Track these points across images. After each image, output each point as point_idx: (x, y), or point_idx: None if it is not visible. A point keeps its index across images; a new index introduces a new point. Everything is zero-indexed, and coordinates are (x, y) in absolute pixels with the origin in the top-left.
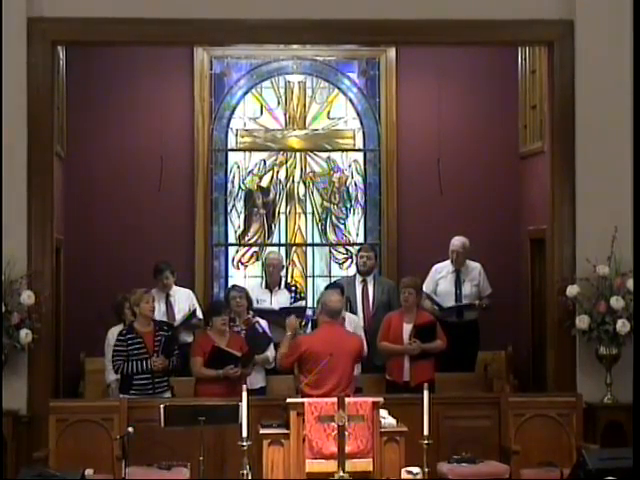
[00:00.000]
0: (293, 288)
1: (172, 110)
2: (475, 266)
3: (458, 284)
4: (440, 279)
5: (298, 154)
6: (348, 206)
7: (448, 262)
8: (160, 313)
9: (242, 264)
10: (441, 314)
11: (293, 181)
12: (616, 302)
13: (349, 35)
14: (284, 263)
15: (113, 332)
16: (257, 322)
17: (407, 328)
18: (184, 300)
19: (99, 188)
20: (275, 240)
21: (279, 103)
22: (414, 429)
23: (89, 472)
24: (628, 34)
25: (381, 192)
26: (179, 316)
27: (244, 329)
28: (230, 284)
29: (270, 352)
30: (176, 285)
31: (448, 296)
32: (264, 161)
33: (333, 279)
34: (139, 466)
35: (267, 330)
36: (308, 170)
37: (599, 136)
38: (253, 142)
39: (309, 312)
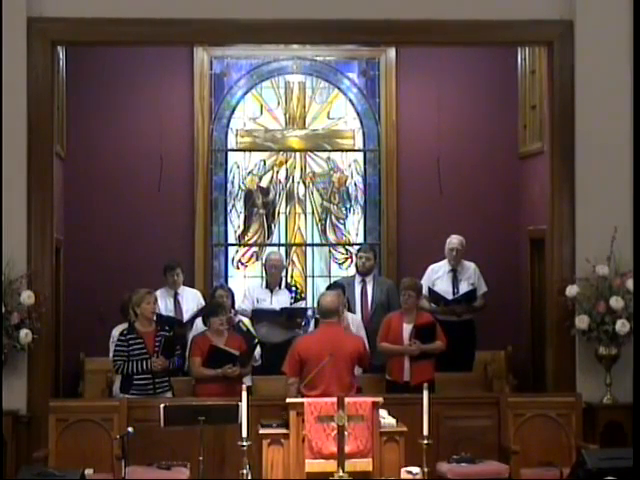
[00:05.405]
0: (293, 288)
1: (172, 110)
2: (470, 265)
3: (455, 283)
4: (437, 279)
5: (298, 154)
6: (348, 206)
7: (444, 262)
8: (167, 311)
9: (242, 264)
10: (443, 309)
11: (293, 181)
12: (616, 302)
13: (349, 35)
14: (285, 263)
15: (119, 329)
16: (240, 321)
17: (407, 328)
18: (192, 299)
19: (99, 188)
20: (275, 240)
21: (279, 103)
22: (414, 429)
23: (89, 472)
24: (628, 34)
25: (381, 192)
26: (186, 315)
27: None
28: (230, 284)
29: (256, 350)
30: (183, 285)
31: (446, 295)
32: (264, 161)
33: (333, 279)
34: (139, 466)
35: (250, 328)
36: (308, 170)
37: (599, 136)
38: (253, 142)
39: (309, 312)
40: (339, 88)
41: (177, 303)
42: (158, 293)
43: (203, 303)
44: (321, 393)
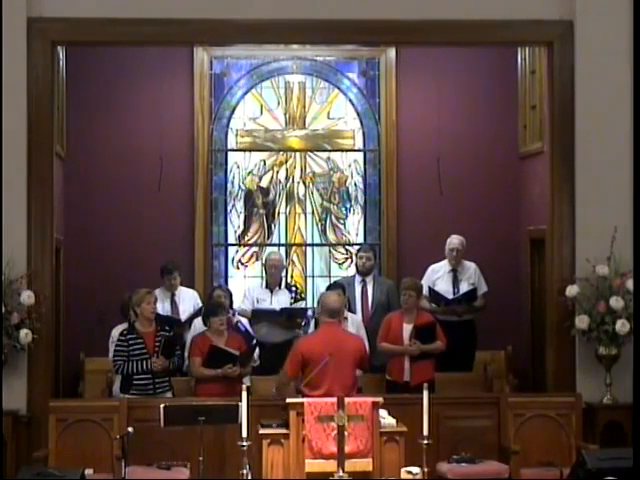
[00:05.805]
0: (293, 288)
1: (172, 110)
2: (470, 265)
3: (456, 283)
4: (437, 279)
5: (298, 154)
6: (348, 206)
7: (444, 262)
8: (164, 312)
9: (242, 264)
10: (444, 309)
11: (293, 181)
12: (616, 302)
13: (349, 35)
14: (285, 263)
15: (119, 329)
16: (239, 321)
17: (407, 328)
18: (189, 300)
19: (99, 188)
20: (275, 240)
21: (279, 103)
22: (414, 429)
23: (89, 472)
24: (628, 34)
25: (381, 192)
26: (184, 316)
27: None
28: (230, 284)
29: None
30: (180, 285)
31: (446, 295)
32: (264, 161)
33: (333, 279)
34: (139, 466)
35: (249, 329)
36: (308, 170)
37: (599, 136)
38: (253, 142)
39: (309, 312)
40: (339, 88)
41: (174, 304)
42: (155, 293)
43: (200, 303)
44: (324, 393)
